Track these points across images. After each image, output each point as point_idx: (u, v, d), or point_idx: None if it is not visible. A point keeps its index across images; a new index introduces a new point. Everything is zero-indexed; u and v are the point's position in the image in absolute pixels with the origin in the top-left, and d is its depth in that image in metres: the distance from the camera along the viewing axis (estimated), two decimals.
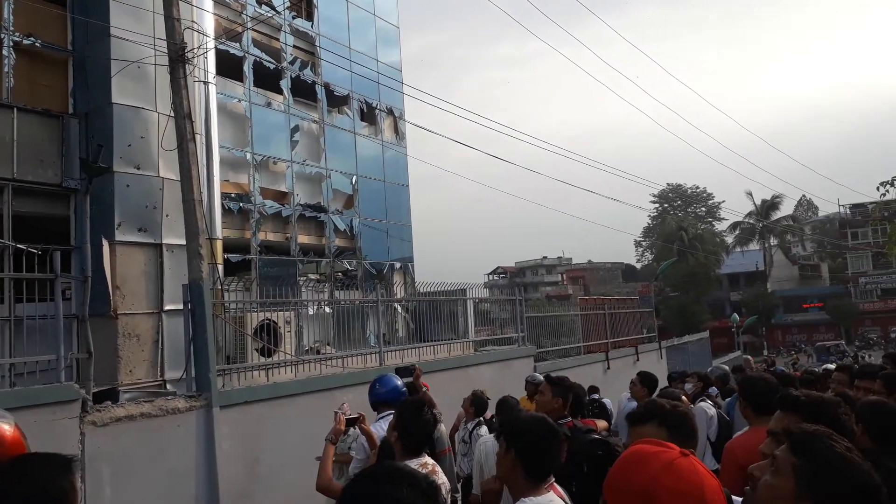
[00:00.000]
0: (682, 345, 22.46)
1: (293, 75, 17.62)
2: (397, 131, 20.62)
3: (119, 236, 7.50)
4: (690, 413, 2.43)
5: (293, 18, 17.81)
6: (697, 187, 69.08)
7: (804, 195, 60.08)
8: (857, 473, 1.45)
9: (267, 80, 16.89)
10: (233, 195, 15.49)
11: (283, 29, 17.40)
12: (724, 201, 68.14)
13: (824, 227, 61.64)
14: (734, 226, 57.38)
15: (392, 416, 4.77)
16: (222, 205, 12.16)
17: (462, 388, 7.11)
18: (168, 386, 7.52)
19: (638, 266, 70.39)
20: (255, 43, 16.78)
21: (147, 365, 7.57)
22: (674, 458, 1.49)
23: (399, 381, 5.11)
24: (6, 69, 7.94)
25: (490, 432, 5.68)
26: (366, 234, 18.90)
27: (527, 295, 26.83)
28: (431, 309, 11.59)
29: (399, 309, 13.30)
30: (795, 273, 58.58)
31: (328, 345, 10.38)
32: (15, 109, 7.60)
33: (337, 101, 19.05)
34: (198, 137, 7.86)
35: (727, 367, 9.97)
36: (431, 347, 11.03)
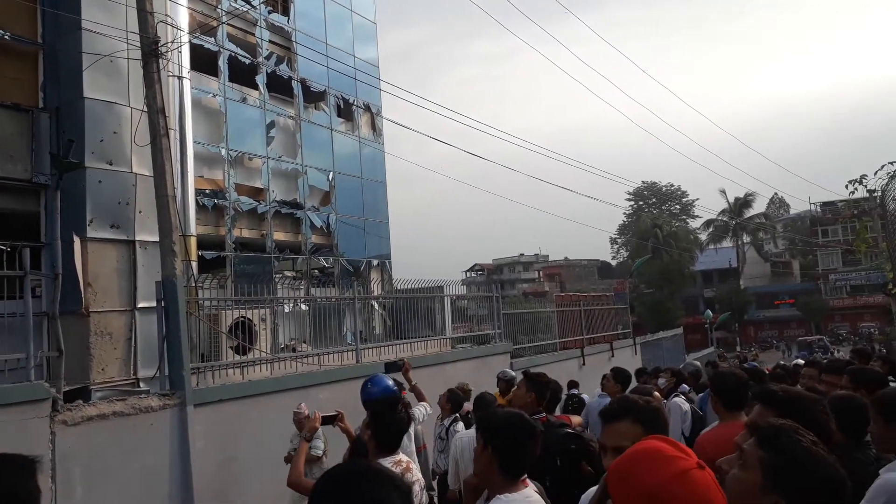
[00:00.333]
0: (657, 341, 22.73)
1: (269, 70, 17.48)
2: (374, 128, 20.55)
3: (91, 233, 7.38)
4: (662, 408, 2.46)
5: (269, 13, 17.66)
6: (672, 185, 69.84)
7: (776, 193, 61.17)
8: (823, 467, 1.47)
9: (242, 75, 16.73)
10: (207, 191, 15.34)
11: (258, 24, 17.25)
12: (698, 199, 69.03)
13: (796, 224, 62.65)
14: (708, 223, 58.14)
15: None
16: (196, 201, 12.03)
17: (439, 386, 7.12)
18: (141, 384, 7.43)
19: (613, 263, 70.95)
20: (231, 38, 16.61)
21: (120, 363, 7.47)
22: (690, 468, 1.46)
23: (390, 381, 5.13)
24: None
25: (467, 428, 5.71)
26: (343, 230, 18.83)
27: (504, 292, 26.90)
28: (409, 306, 11.59)
29: (376, 306, 13.28)
30: (767, 270, 59.51)
31: (304, 342, 10.33)
32: None
33: (313, 97, 18.93)
34: (171, 133, 7.76)
35: (699, 364, 10.11)
36: (409, 345, 11.03)
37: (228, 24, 16.00)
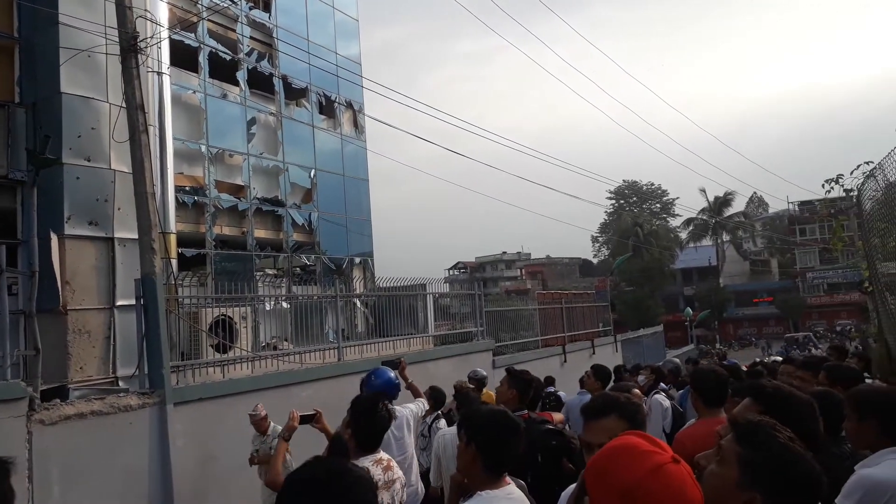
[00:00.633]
0: (637, 338, 22.91)
1: (250, 67, 17.38)
2: (357, 125, 20.50)
3: (69, 230, 7.29)
4: (642, 405, 2.49)
5: (250, 9, 17.55)
6: (653, 184, 70.41)
7: (755, 192, 61.81)
8: (798, 464, 1.48)
9: (223, 71, 16.62)
10: (187, 188, 15.22)
11: (239, 20, 17.14)
12: (678, 198, 69.61)
13: (774, 223, 63.39)
14: (688, 222, 58.67)
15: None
16: (176, 198, 11.94)
17: (421, 383, 7.10)
18: (120, 383, 7.35)
19: (595, 261, 71.37)
20: (211, 33, 16.49)
21: (98, 362, 7.39)
22: (665, 462, 1.46)
23: (392, 374, 5.11)
24: None
25: (449, 425, 5.71)
26: (324, 228, 18.77)
27: (486, 290, 27.01)
28: (391, 304, 11.57)
29: (358, 304, 13.25)
30: (746, 268, 60.17)
31: (286, 341, 10.28)
32: None
33: (295, 94, 18.84)
34: (151, 129, 7.68)
35: (679, 361, 10.20)
36: (391, 342, 11.02)
37: (209, 20, 15.87)
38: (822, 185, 11.75)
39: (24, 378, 6.11)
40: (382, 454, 3.27)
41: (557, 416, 5.23)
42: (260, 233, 17.20)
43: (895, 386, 6.17)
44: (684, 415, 6.30)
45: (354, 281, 17.90)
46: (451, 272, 71.06)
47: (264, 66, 17.82)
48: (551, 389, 9.90)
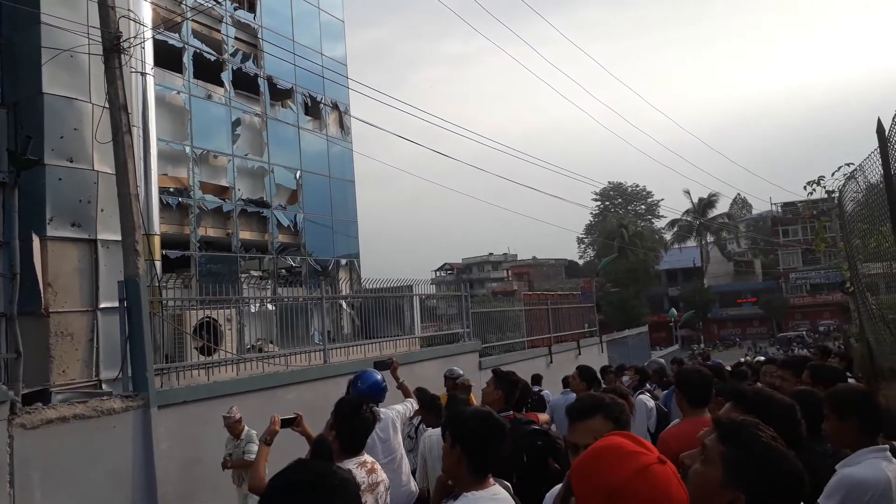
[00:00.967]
0: (622, 339, 23.02)
1: (235, 67, 17.29)
2: (342, 126, 20.45)
3: (51, 231, 7.21)
4: (626, 405, 2.50)
5: (235, 10, 17.47)
6: (638, 186, 70.89)
7: (739, 194, 62.45)
8: (781, 462, 1.49)
9: (207, 71, 16.53)
10: (171, 189, 15.13)
11: (224, 20, 17.06)
12: (662, 199, 70.27)
13: (758, 224, 63.96)
14: (672, 223, 59.13)
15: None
16: (160, 199, 11.85)
17: (408, 385, 7.11)
18: (104, 386, 7.28)
19: (580, 262, 71.70)
20: (196, 34, 16.39)
21: (81, 365, 7.31)
22: (651, 463, 1.45)
23: (379, 376, 5.08)
24: None
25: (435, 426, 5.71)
26: (310, 229, 18.71)
27: (473, 291, 26.99)
28: (377, 305, 11.56)
29: (344, 306, 13.21)
30: (730, 269, 60.64)
31: (271, 343, 10.24)
32: None
33: (280, 95, 18.77)
34: (134, 130, 7.63)
35: (663, 361, 10.26)
36: (377, 344, 11.00)
37: (193, 21, 15.78)
38: (805, 187, 11.91)
39: (5, 382, 6.03)
40: (366, 457, 3.26)
41: (543, 417, 5.25)
42: (245, 234, 17.12)
43: (876, 385, 6.26)
44: (669, 415, 6.34)
45: (340, 282, 17.86)
46: (437, 273, 71.13)
47: (249, 66, 17.75)
48: (537, 388, 9.92)
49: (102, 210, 7.58)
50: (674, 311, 41.04)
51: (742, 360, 19.54)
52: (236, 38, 17.52)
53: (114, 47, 6.73)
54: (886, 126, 5.41)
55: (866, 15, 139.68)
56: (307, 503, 1.32)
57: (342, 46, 20.95)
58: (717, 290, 55.97)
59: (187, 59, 15.91)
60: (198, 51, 16.08)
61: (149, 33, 9.22)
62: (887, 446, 2.66)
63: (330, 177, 19.60)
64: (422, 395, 6.55)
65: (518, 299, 18.69)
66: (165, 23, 13.29)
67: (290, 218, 18.34)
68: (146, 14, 9.34)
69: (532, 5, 17.63)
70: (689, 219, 57.09)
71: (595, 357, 17.29)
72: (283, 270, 18.28)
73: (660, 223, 65.32)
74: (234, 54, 17.38)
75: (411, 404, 5.64)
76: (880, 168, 5.59)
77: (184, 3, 15.34)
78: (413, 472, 5.67)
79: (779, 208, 56.43)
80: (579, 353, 16.50)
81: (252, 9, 18.08)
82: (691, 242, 58.74)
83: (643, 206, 70.24)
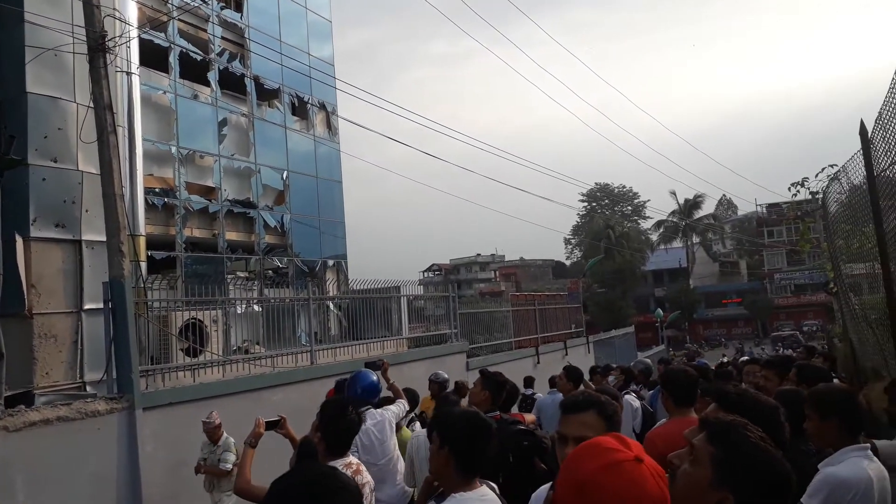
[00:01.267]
0: (609, 339, 23.11)
1: (221, 67, 17.21)
2: (330, 126, 20.40)
3: (34, 232, 7.14)
4: (619, 406, 2.53)
5: (221, 9, 17.38)
6: (624, 187, 71.18)
7: (724, 195, 62.86)
8: (770, 463, 1.50)
9: (194, 71, 16.44)
10: (157, 190, 15.03)
11: (210, 20, 16.97)
12: (649, 200, 70.57)
13: (743, 225, 64.42)
14: (658, 224, 59.46)
15: (368, 411, 4.82)
16: (146, 200, 11.77)
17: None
18: (88, 388, 7.22)
19: (567, 263, 71.88)
20: (182, 33, 16.30)
21: (65, 366, 7.25)
22: (624, 459, 1.46)
23: (375, 377, 5.05)
24: None
25: (422, 427, 5.71)
26: (297, 230, 18.65)
27: (461, 292, 26.99)
28: (365, 306, 11.54)
29: (332, 307, 13.18)
30: (716, 270, 61.06)
31: (257, 344, 10.19)
32: None
33: (267, 95, 18.70)
34: (120, 130, 7.57)
35: (649, 361, 10.30)
36: (365, 345, 10.98)
37: (179, 20, 15.69)
38: (789, 188, 12.02)
39: None
40: (352, 458, 3.26)
41: (529, 417, 5.26)
42: (231, 235, 17.03)
43: (859, 385, 6.33)
44: (654, 415, 6.37)
45: (328, 283, 17.81)
46: (425, 274, 71.11)
47: (236, 66, 17.67)
48: (530, 392, 9.88)
49: (87, 210, 7.52)
50: (660, 311, 41.20)
51: (723, 359, 19.67)
52: (223, 38, 17.44)
53: (99, 46, 6.68)
54: (869, 128, 5.47)
55: (848, 18, 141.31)
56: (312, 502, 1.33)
57: (329, 46, 20.91)
58: (703, 290, 56.36)
59: (173, 59, 15.82)
60: (184, 50, 15.99)
61: (134, 32, 9.16)
62: (868, 445, 2.69)
63: (317, 177, 19.54)
64: (410, 395, 6.56)
65: (505, 300, 18.73)
66: (151, 22, 13.21)
67: (277, 218, 18.28)
68: (132, 13, 9.28)
69: (521, 7, 17.69)
70: (674, 220, 57.44)
71: (582, 357, 17.35)
72: (270, 271, 18.21)
73: (646, 224, 65.75)
74: (220, 54, 17.30)
75: (403, 405, 5.66)
76: (863, 169, 5.64)
77: (170, 2, 15.26)
78: None
79: (764, 209, 56.91)
80: (566, 354, 16.55)
81: (239, 8, 18.00)
82: (677, 243, 59.10)
83: (630, 207, 70.57)
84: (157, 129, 15.15)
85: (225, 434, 6.51)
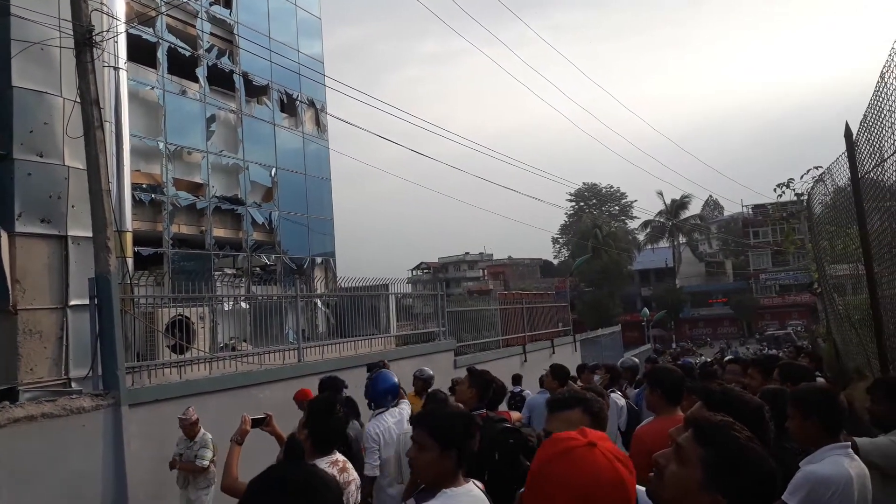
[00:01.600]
0: (596, 338, 23.21)
1: (210, 63, 17.12)
2: (319, 124, 20.34)
3: (19, 227, 7.08)
4: (605, 403, 2.55)
5: (210, 5, 17.29)
6: (612, 187, 71.46)
7: (711, 195, 63.25)
8: (760, 464, 1.49)
9: (182, 67, 16.35)
10: (144, 186, 14.94)
11: (199, 15, 16.87)
12: (636, 200, 70.88)
13: (729, 226, 64.84)
14: (645, 224, 59.79)
15: (385, 413, 4.85)
16: (133, 196, 11.69)
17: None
18: (73, 384, 7.17)
19: (555, 262, 72.06)
20: (170, 29, 16.20)
21: (50, 363, 7.20)
22: (576, 446, 1.45)
23: (395, 378, 5.21)
24: None
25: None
26: (285, 227, 18.59)
27: (449, 290, 27.03)
28: (353, 304, 11.53)
29: (320, 304, 13.15)
30: (702, 270, 61.43)
31: (244, 341, 10.16)
32: None
33: (256, 91, 18.62)
34: (107, 125, 7.52)
35: (636, 360, 10.35)
36: (352, 343, 10.97)
37: (168, 15, 15.59)
38: (774, 189, 12.13)
39: None
40: (338, 456, 3.26)
41: (515, 415, 5.28)
42: (219, 232, 16.96)
43: (843, 384, 6.40)
44: (640, 413, 6.42)
45: (316, 281, 17.76)
46: (414, 272, 71.05)
47: (225, 62, 17.58)
48: (518, 389, 9.95)
49: (73, 206, 7.47)
50: (646, 310, 41.44)
51: (700, 358, 19.81)
52: (212, 34, 17.34)
53: (86, 41, 6.64)
54: (854, 130, 5.53)
55: (838, 19, 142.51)
56: (292, 500, 1.32)
57: (319, 44, 20.84)
58: (689, 290, 56.70)
59: (161, 55, 15.72)
60: (172, 46, 15.89)
61: (122, 27, 9.10)
62: (849, 443, 2.73)
63: (306, 174, 19.48)
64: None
65: (494, 298, 18.78)
66: (139, 17, 13.12)
67: (265, 215, 18.21)
68: (119, 8, 9.22)
69: (510, 7, 17.71)
70: (661, 220, 57.77)
71: (569, 356, 17.41)
72: (258, 268, 18.14)
73: (633, 224, 66.09)
74: (209, 50, 17.20)
75: (408, 404, 5.70)
76: (848, 172, 5.71)
77: None
78: None
79: (749, 210, 57.32)
80: (553, 352, 16.61)
81: (228, 4, 17.91)
82: (664, 243, 59.42)
83: (617, 207, 70.86)
84: (145, 124, 15.06)
85: (202, 430, 6.48)
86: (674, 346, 45.17)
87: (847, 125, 5.61)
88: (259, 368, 8.59)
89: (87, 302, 6.62)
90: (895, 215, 4.67)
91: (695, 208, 59.80)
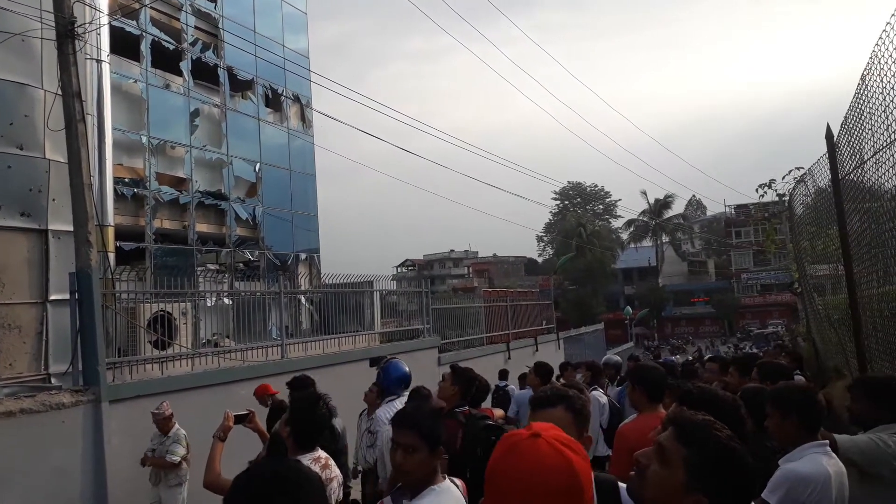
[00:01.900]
0: (579, 336, 23.34)
1: (194, 57, 16.98)
2: (304, 119, 20.24)
3: None
4: (588, 399, 2.55)
5: None
6: (596, 186, 71.84)
7: (694, 195, 63.82)
8: (742, 463, 1.49)
9: (166, 60, 16.20)
10: (127, 180, 14.80)
11: (184, 8, 16.72)
12: (620, 199, 71.35)
13: (712, 225, 65.44)
14: (629, 223, 60.17)
15: (396, 400, 4.85)
16: (115, 190, 11.58)
17: (367, 381, 7.10)
18: (53, 380, 7.09)
19: (539, 260, 72.32)
20: (154, 21, 16.05)
21: (29, 358, 7.11)
22: (520, 440, 1.45)
23: (406, 368, 5.27)
24: None
25: None
26: (269, 223, 18.49)
27: (434, 287, 27.01)
28: (337, 301, 11.49)
29: (303, 301, 13.10)
30: (684, 269, 61.92)
31: (227, 337, 10.10)
32: None
33: (240, 86, 18.50)
34: (89, 118, 7.44)
35: (619, 358, 10.41)
36: (336, 340, 10.94)
37: (151, 8, 15.42)
38: (757, 190, 12.27)
39: None
40: (320, 452, 3.25)
41: (498, 412, 5.29)
42: (202, 227, 16.83)
43: (822, 383, 6.48)
44: (622, 411, 6.46)
45: (300, 277, 17.69)
46: (399, 269, 70.94)
47: (209, 56, 17.43)
48: (503, 384, 10.00)
49: (54, 200, 7.37)
50: (629, 309, 41.78)
51: (690, 357, 19.99)
52: (196, 28, 17.20)
53: (68, 32, 6.55)
54: (835, 132, 5.60)
55: (821, 21, 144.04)
56: (274, 498, 1.32)
57: (304, 39, 20.73)
58: (672, 289, 57.13)
59: (145, 47, 15.56)
60: (156, 39, 15.74)
61: (105, 19, 8.99)
62: (827, 442, 2.77)
63: (290, 170, 19.38)
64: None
65: (478, 296, 18.77)
66: (122, 9, 12.97)
67: (249, 211, 18.10)
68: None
69: (496, 5, 17.72)
70: (645, 219, 58.16)
71: (552, 353, 17.49)
72: (241, 264, 18.03)
73: (617, 223, 66.48)
74: (193, 44, 17.06)
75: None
76: (828, 173, 5.78)
77: None
78: (370, 469, 5.67)
79: (732, 210, 57.84)
80: (537, 350, 16.68)
81: None
82: (647, 242, 59.83)
83: (601, 206, 71.24)
84: (128, 118, 14.91)
85: (177, 426, 6.44)
86: (655, 342, 45.50)
87: (828, 127, 5.67)
88: (242, 365, 8.54)
89: (67, 297, 6.56)
90: (875, 217, 4.73)
91: (678, 208, 60.38)
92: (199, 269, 15.79)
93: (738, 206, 55.26)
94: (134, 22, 15.19)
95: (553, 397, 2.36)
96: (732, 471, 1.47)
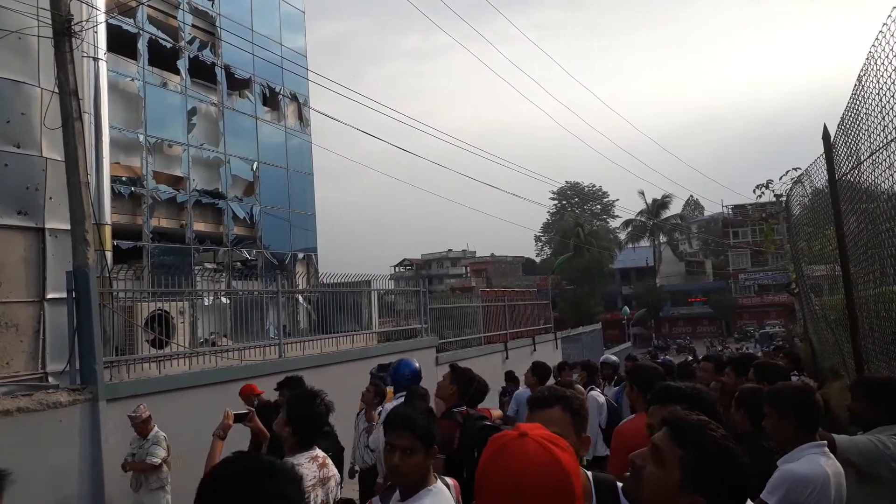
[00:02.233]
0: (577, 336, 23.34)
1: (191, 55, 16.95)
2: (301, 118, 20.22)
3: None
4: (585, 399, 2.56)
5: None
6: (594, 186, 71.89)
7: (692, 195, 63.84)
8: (736, 463, 1.50)
9: (163, 59, 16.16)
10: (124, 178, 14.78)
11: (181, 7, 16.70)
12: (618, 199, 71.43)
13: (709, 226, 65.50)
14: (627, 223, 60.23)
15: (405, 397, 4.84)
16: (112, 188, 11.56)
17: (364, 380, 7.10)
18: (50, 379, 7.08)
19: (537, 260, 72.35)
20: (151, 20, 16.01)
21: (26, 356, 7.10)
22: (508, 440, 1.46)
23: (417, 364, 5.31)
24: None
25: None
26: (267, 222, 18.47)
27: (431, 287, 27.06)
28: (335, 300, 11.48)
29: (301, 300, 13.09)
30: (682, 269, 61.99)
31: (225, 336, 10.09)
32: None
33: (238, 85, 18.47)
34: (86, 116, 7.42)
35: (616, 358, 10.41)
36: (334, 339, 10.94)
37: (149, 6, 15.39)
38: (754, 190, 12.29)
39: None
40: (318, 451, 3.25)
41: (496, 412, 5.30)
42: (199, 226, 16.80)
43: (819, 384, 6.49)
44: (619, 411, 6.46)
45: (297, 276, 17.68)
46: (396, 269, 70.92)
47: (206, 55, 17.41)
48: (512, 387, 9.94)
49: (51, 198, 7.36)
50: (627, 309, 41.77)
51: (688, 358, 20.01)
52: (193, 26, 17.17)
53: (65, 30, 6.54)
54: (832, 132, 5.61)
55: (821, 21, 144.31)
56: (245, 492, 1.31)
57: (302, 37, 20.71)
58: (669, 289, 57.17)
59: (142, 46, 15.53)
60: (153, 37, 15.70)
61: (102, 17, 8.98)
62: (825, 442, 2.77)
63: (288, 169, 19.36)
64: (381, 390, 6.54)
65: (476, 296, 18.77)
66: (119, 7, 12.94)
67: (246, 210, 18.08)
68: None
69: (494, 4, 17.72)
70: (642, 219, 58.23)
71: (550, 353, 17.50)
72: (239, 263, 18.02)
73: (615, 223, 66.54)
74: (190, 42, 17.03)
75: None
76: (825, 174, 5.79)
77: None
78: (371, 467, 5.67)
79: (729, 211, 57.93)
80: (534, 350, 16.69)
81: None
82: (645, 242, 59.90)
83: (599, 206, 71.29)
84: (125, 116, 14.89)
85: (156, 428, 6.41)
86: (662, 342, 45.55)
87: (825, 127, 5.68)
88: (239, 364, 8.54)
89: (64, 295, 6.55)
90: (871, 217, 4.73)
91: (675, 208, 60.45)
92: (197, 268, 15.78)
93: (736, 207, 55.34)
94: (131, 20, 15.16)
95: (551, 398, 2.35)
96: (728, 471, 1.48)
